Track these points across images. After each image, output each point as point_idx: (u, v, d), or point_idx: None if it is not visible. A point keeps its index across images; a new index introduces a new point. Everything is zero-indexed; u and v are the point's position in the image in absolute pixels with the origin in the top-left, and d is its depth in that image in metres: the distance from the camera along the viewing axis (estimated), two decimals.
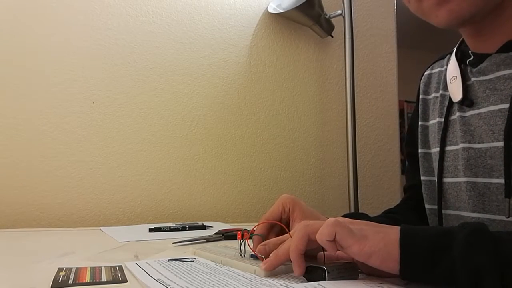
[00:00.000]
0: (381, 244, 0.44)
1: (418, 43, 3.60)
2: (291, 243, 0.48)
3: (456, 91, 0.66)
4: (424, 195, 0.75)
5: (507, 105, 0.58)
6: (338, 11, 1.46)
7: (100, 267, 0.56)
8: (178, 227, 1.02)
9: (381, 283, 0.45)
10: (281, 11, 1.44)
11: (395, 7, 1.73)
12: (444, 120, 0.69)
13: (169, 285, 0.45)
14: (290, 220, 0.66)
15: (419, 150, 0.76)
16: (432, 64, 0.80)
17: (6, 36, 1.15)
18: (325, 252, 0.49)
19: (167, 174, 1.31)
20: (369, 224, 0.47)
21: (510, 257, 0.39)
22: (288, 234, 0.54)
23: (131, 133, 1.27)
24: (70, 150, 1.20)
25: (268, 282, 0.47)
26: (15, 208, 1.13)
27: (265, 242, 0.57)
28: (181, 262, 0.58)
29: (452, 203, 0.68)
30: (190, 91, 1.36)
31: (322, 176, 1.55)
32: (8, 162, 1.14)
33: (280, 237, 0.58)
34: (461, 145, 0.64)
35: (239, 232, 0.59)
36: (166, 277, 0.50)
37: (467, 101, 0.64)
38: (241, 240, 0.58)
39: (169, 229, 1.00)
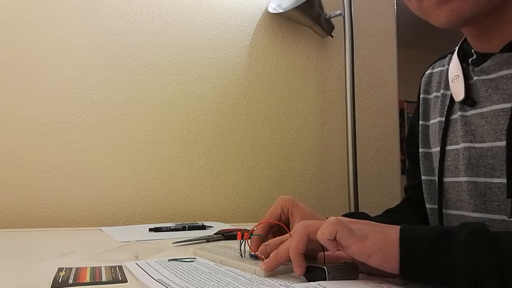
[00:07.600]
0: (381, 243, 0.44)
1: (418, 43, 3.60)
2: (291, 243, 0.48)
3: (458, 90, 0.65)
4: (425, 195, 0.75)
5: (509, 105, 0.58)
6: (338, 11, 1.46)
7: (100, 267, 0.56)
8: (178, 227, 1.02)
9: (381, 283, 0.45)
10: (281, 11, 1.44)
11: (395, 7, 1.73)
12: (445, 119, 0.69)
13: (169, 285, 0.45)
14: (289, 221, 0.66)
15: (420, 150, 0.76)
16: (433, 63, 0.80)
17: (6, 36, 1.15)
18: (325, 252, 0.48)
19: (167, 174, 1.30)
20: (370, 224, 0.47)
21: (510, 258, 0.39)
22: (288, 234, 0.53)
23: (131, 133, 1.27)
24: (70, 150, 1.20)
25: (268, 282, 0.46)
26: (15, 208, 1.13)
27: (265, 242, 0.57)
28: (181, 262, 0.58)
29: (453, 203, 0.67)
30: (190, 91, 1.36)
31: (322, 176, 1.54)
32: (8, 162, 1.13)
33: (280, 237, 0.57)
34: (462, 145, 0.64)
35: (239, 232, 0.59)
36: (166, 277, 0.49)
37: (469, 100, 0.64)
38: (241, 240, 0.58)
39: (169, 229, 1.00)
